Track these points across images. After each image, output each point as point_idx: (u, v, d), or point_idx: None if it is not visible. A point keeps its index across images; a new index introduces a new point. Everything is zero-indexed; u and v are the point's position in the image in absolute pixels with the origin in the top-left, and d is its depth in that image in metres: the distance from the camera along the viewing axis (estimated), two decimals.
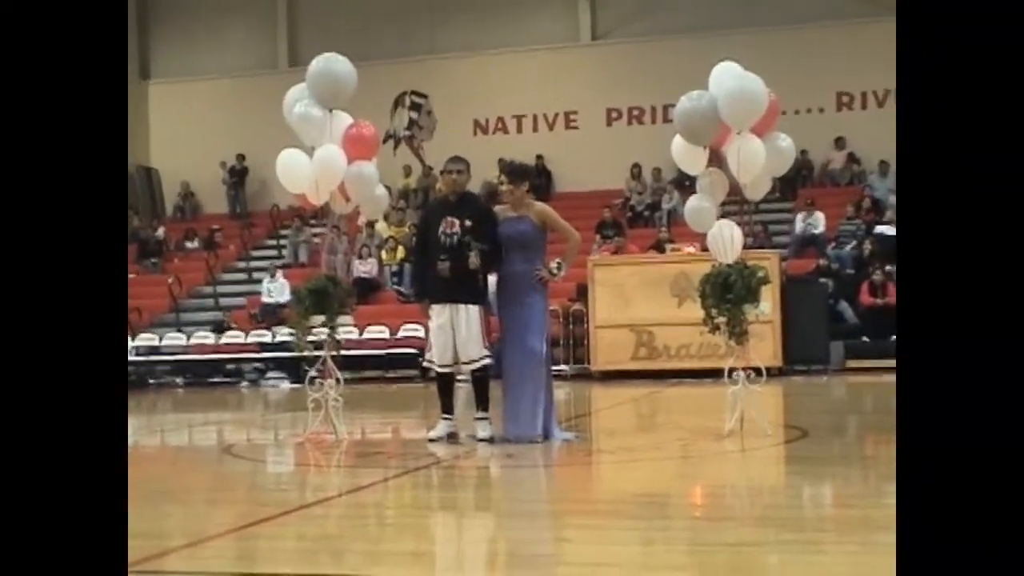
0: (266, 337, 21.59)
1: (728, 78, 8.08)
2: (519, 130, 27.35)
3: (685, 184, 23.56)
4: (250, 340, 21.78)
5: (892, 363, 18.51)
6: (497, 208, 8.69)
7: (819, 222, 22.50)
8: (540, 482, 7.30)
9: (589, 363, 18.25)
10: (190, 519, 5.67)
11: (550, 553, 4.65)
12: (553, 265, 8.44)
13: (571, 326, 18.91)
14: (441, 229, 8.34)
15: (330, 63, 8.74)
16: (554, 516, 5.68)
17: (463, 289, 8.24)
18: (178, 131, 28.81)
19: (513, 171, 8.64)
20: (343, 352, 9.18)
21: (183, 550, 4.60)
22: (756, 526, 5.03)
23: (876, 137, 24.22)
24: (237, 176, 28.35)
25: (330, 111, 8.73)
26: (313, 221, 24.88)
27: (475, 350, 8.29)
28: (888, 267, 20.01)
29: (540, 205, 8.62)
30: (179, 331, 22.79)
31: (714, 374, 14.46)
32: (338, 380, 8.76)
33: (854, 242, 21.42)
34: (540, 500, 6.42)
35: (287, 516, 5.44)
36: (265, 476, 7.96)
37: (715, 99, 7.96)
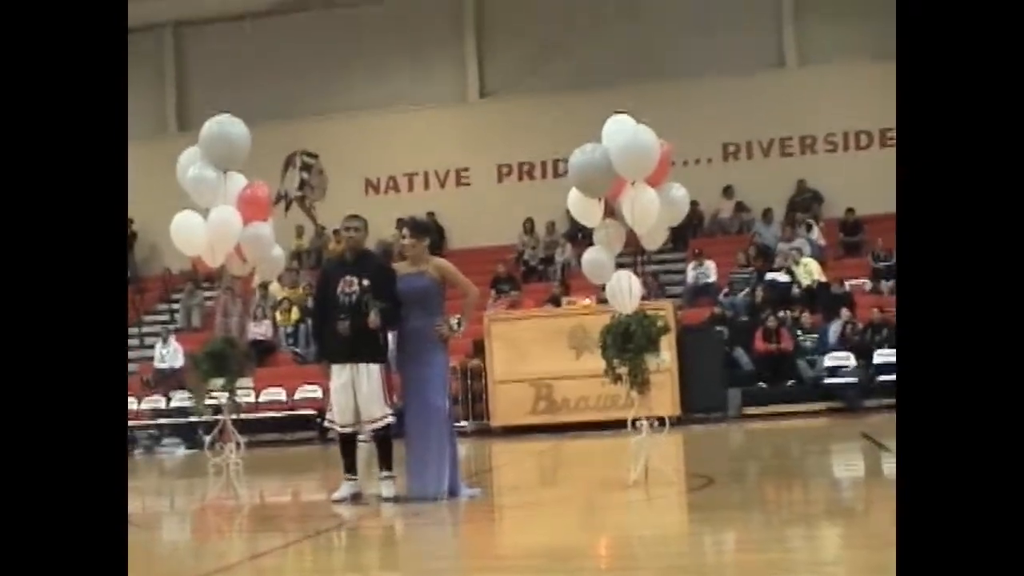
0: (160, 403, 21.20)
1: (620, 131, 8.19)
2: (411, 188, 27.34)
3: (578, 237, 23.82)
4: (144, 407, 21.35)
5: (788, 408, 18.86)
6: (395, 264, 8.68)
7: (711, 271, 22.82)
8: (449, 539, 7.25)
9: (488, 418, 18.22)
10: None
11: None
12: (453, 321, 8.43)
13: (470, 381, 18.86)
14: (340, 288, 8.28)
15: (223, 125, 8.69)
16: (467, 573, 5.64)
17: (363, 348, 8.18)
18: None
19: (415, 226, 8.66)
20: (241, 416, 9.05)
21: None
22: (674, 574, 5.05)
23: (762, 185, 24.77)
24: (127, 240, 27.86)
25: (224, 173, 8.65)
26: (206, 284, 24.59)
27: (377, 409, 8.22)
28: (780, 313, 20.37)
29: (439, 260, 8.63)
30: None
31: (614, 425, 14.57)
32: (238, 444, 8.63)
33: (747, 289, 21.76)
34: (451, 557, 6.37)
35: None
36: (167, 544, 7.79)
37: (608, 152, 8.07)
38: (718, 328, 20.31)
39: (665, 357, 9.14)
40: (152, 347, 23.32)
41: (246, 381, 8.90)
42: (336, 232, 25.91)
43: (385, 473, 8.38)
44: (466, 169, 27.08)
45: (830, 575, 4.93)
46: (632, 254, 8.97)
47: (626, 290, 8.56)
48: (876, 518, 6.56)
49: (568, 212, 24.15)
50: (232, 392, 8.67)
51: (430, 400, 8.23)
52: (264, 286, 23.02)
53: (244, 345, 9.26)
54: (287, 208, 26.08)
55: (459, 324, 8.48)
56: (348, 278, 8.29)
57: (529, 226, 25.53)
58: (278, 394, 20.37)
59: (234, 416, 8.70)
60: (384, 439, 8.36)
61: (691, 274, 22.95)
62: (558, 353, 17.49)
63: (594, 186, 8.26)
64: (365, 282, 8.21)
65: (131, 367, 23.60)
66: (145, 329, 25.40)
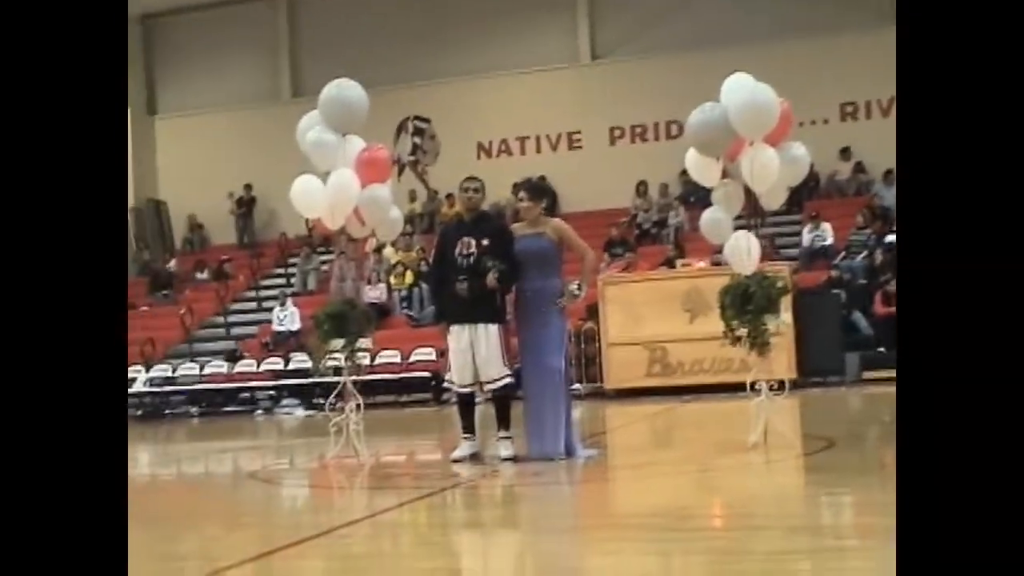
0: (279, 365, 21.61)
1: (739, 89, 8.08)
2: (523, 151, 27.38)
3: (690, 200, 23.64)
4: (263, 368, 21.80)
5: None
6: (513, 226, 8.69)
7: (827, 234, 22.47)
8: (568, 499, 7.28)
9: (602, 381, 18.22)
10: (234, 542, 5.67)
11: (589, 568, 4.63)
12: (573, 286, 8.42)
13: (583, 345, 18.87)
14: (458, 250, 8.32)
15: (342, 89, 8.78)
16: (588, 531, 5.66)
17: (482, 309, 8.21)
18: (185, 164, 28.90)
19: (532, 188, 8.65)
20: (360, 377, 9.17)
21: (233, 569, 4.60)
22: (798, 534, 5.00)
23: (882, 146, 24.21)
24: (245, 206, 28.40)
25: (343, 136, 8.74)
26: (322, 248, 24.96)
27: (496, 370, 8.26)
28: None
29: (556, 221, 8.61)
30: (192, 361, 22.80)
31: (729, 389, 14.50)
32: (358, 405, 8.75)
33: (865, 252, 21.38)
34: (571, 516, 6.40)
35: (323, 537, 5.43)
36: (293, 500, 7.96)
37: (727, 110, 7.96)
38: (835, 291, 20.01)
39: (785, 318, 9.03)
40: (270, 310, 23.79)
41: (365, 342, 9.00)
42: (449, 196, 26.12)
43: (503, 433, 8.42)
44: (578, 132, 27.03)
45: None
46: (749, 215, 8.84)
47: (745, 250, 8.46)
48: None
49: (681, 174, 24.19)
50: (352, 353, 8.78)
51: (547, 361, 8.24)
52: (379, 250, 23.29)
53: (364, 306, 9.36)
54: (400, 173, 26.25)
55: (579, 288, 8.48)
56: (466, 239, 8.33)
57: (643, 189, 25.40)
58: (393, 356, 20.61)
59: (354, 377, 8.81)
60: (502, 399, 8.41)
61: (807, 236, 22.63)
62: (672, 316, 17.43)
63: (712, 145, 8.17)
64: (484, 243, 8.25)
65: (251, 330, 24.15)
66: (263, 293, 25.91)
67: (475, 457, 8.50)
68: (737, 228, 8.60)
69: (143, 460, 12.36)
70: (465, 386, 8.40)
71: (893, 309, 19.51)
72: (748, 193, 8.43)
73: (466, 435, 8.57)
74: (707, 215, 8.65)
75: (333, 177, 8.66)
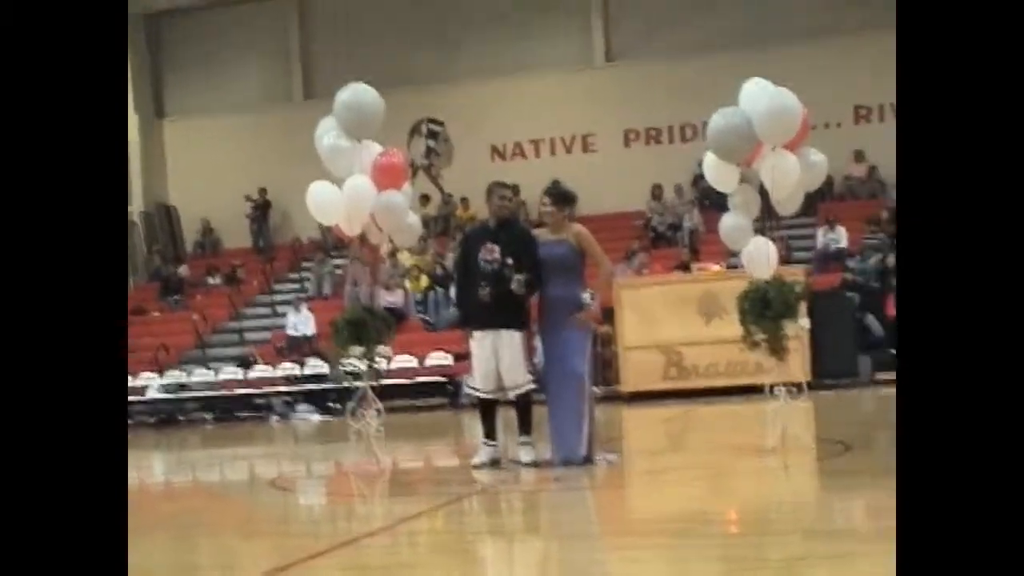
0: (294, 370, 21.59)
1: (760, 95, 8.08)
2: (537, 154, 27.37)
3: (705, 203, 23.62)
4: (278, 374, 21.79)
5: None
6: (536, 231, 8.70)
7: (841, 236, 22.45)
8: (589, 504, 7.28)
9: (618, 384, 18.21)
10: (257, 551, 5.69)
11: (610, 574, 4.64)
12: (586, 295, 8.44)
13: (599, 348, 18.83)
14: (481, 256, 8.33)
15: (357, 94, 8.77)
16: (609, 537, 5.67)
17: (505, 315, 8.22)
18: (195, 168, 28.84)
19: (556, 194, 8.64)
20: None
21: None
22: (815, 540, 5.01)
23: (895, 149, 24.15)
24: (260, 210, 28.36)
25: (359, 141, 8.75)
26: (336, 252, 24.99)
27: (519, 376, 8.28)
28: None
29: (578, 227, 8.60)
30: (206, 367, 22.81)
31: (744, 392, 14.49)
32: (378, 410, 8.76)
33: (878, 255, 21.34)
34: (592, 522, 6.42)
35: (345, 547, 5.44)
36: (317, 509, 7.99)
37: (749, 116, 7.96)
38: (848, 294, 19.99)
39: (805, 323, 9.05)
40: (284, 315, 23.78)
41: (384, 348, 9.01)
42: (464, 200, 26.15)
43: (524, 438, 8.44)
44: (592, 134, 27.02)
45: None
46: (764, 219, 8.85)
47: (764, 256, 8.48)
48: None
49: (695, 178, 24.12)
50: (371, 359, 8.79)
51: (570, 366, 8.24)
52: (393, 254, 23.29)
53: (383, 312, 9.37)
54: (413, 176, 26.22)
55: (592, 297, 8.50)
56: (490, 245, 8.34)
57: (658, 192, 25.38)
58: (409, 361, 20.61)
59: (373, 383, 8.82)
60: (525, 405, 8.42)
61: (821, 239, 22.60)
62: (688, 319, 17.43)
63: (734, 151, 8.17)
64: (508, 249, 8.25)
65: (264, 335, 24.16)
66: (276, 297, 25.91)
67: (496, 462, 8.51)
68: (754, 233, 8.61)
69: (158, 467, 12.39)
70: (488, 392, 8.41)
71: None
72: (763, 197, 8.45)
73: (487, 440, 8.57)
74: (727, 220, 8.66)
75: (349, 183, 8.67)
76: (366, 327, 8.78)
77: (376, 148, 8.85)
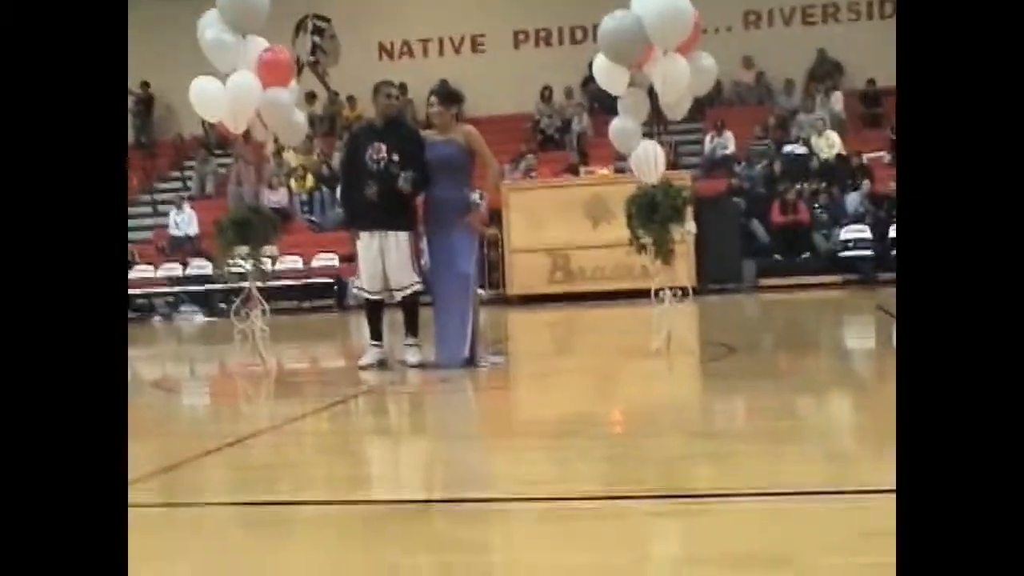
0: (177, 271, 21.27)
1: None
2: (425, 54, 27.04)
3: (594, 106, 23.62)
4: (160, 274, 21.44)
5: (803, 280, 18.88)
6: (424, 132, 8.61)
7: (729, 142, 22.67)
8: (474, 406, 7.32)
9: (505, 287, 18.29)
10: (141, 453, 5.59)
11: (493, 474, 4.67)
12: (475, 196, 8.41)
13: (486, 250, 18.86)
14: (368, 154, 8.23)
15: None
16: (495, 438, 5.70)
17: (392, 215, 8.16)
18: None
19: (444, 94, 8.54)
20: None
21: (145, 481, 4.55)
22: (699, 439, 5.09)
23: (784, 56, 24.43)
24: (143, 104, 27.58)
25: (243, 36, 8.52)
26: (219, 151, 24.51)
27: (406, 277, 8.24)
28: (798, 185, 20.27)
29: (468, 127, 8.53)
30: None
31: (629, 295, 14.64)
32: (264, 311, 8.67)
33: (765, 161, 21.62)
34: (477, 422, 6.45)
35: (232, 447, 5.39)
36: (202, 410, 7.90)
37: (641, 18, 7.92)
38: (734, 200, 20.24)
39: (691, 227, 9.13)
40: (166, 215, 23.34)
41: (270, 249, 8.90)
42: (351, 98, 25.76)
43: (410, 340, 8.43)
44: (482, 35, 26.75)
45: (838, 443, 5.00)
46: (652, 123, 8.86)
47: (652, 160, 8.50)
48: (888, 388, 6.58)
49: (585, 81, 24.07)
50: (257, 260, 8.68)
51: (457, 267, 8.24)
52: (278, 153, 22.91)
53: (269, 213, 9.23)
54: (299, 73, 25.71)
55: (481, 198, 8.46)
56: (377, 144, 8.24)
57: (547, 94, 25.27)
58: (295, 262, 20.43)
59: (259, 284, 8.72)
60: (411, 306, 8.40)
61: (708, 145, 22.78)
62: (575, 223, 17.51)
63: (625, 53, 8.12)
64: (395, 148, 8.16)
65: (146, 234, 23.69)
66: (158, 196, 25.38)
67: (382, 364, 8.50)
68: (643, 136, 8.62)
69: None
70: (375, 292, 8.37)
71: (789, 218, 19.85)
72: (653, 100, 8.44)
73: (374, 342, 8.55)
74: (616, 124, 8.64)
75: (233, 79, 8.46)
76: (252, 227, 8.65)
77: (261, 43, 8.64)
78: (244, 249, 8.64)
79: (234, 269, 8.80)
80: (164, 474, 4.72)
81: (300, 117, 9.16)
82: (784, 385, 7.24)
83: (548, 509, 3.77)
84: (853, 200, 20.23)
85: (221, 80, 8.54)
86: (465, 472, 4.73)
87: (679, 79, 8.05)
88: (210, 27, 8.51)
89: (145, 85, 27.28)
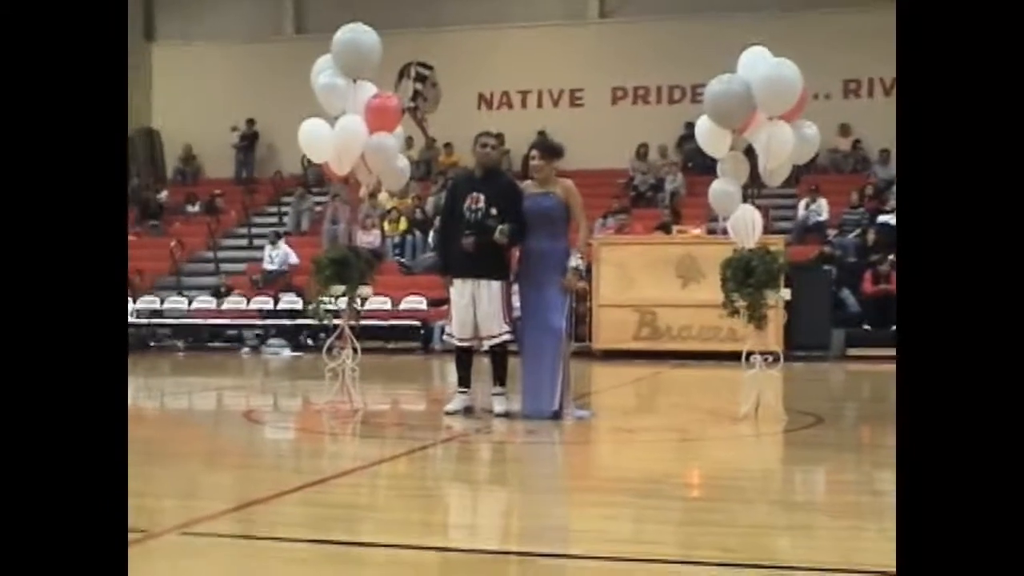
0: (268, 304, 21.56)
1: (760, 63, 8.07)
2: (523, 105, 27.29)
3: (688, 166, 23.63)
4: (252, 306, 21.75)
5: (892, 351, 18.60)
6: (523, 184, 8.69)
7: (823, 209, 22.52)
8: (559, 458, 7.33)
9: (591, 341, 18.27)
10: (229, 485, 5.71)
11: (573, 529, 4.68)
12: (574, 260, 8.42)
13: (575, 304, 18.83)
14: (466, 204, 8.34)
15: (355, 33, 8.75)
16: (575, 493, 5.71)
17: (486, 264, 8.25)
18: (181, 94, 28.61)
19: (546, 148, 8.62)
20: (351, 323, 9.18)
21: (230, 513, 4.64)
22: (781, 509, 5.06)
23: (881, 125, 24.21)
24: (248, 140, 28.17)
25: (354, 81, 8.71)
26: (316, 189, 24.89)
27: (496, 325, 8.31)
28: (892, 256, 20.06)
29: (567, 182, 8.57)
30: (180, 295, 22.74)
31: (714, 356, 14.57)
32: (355, 350, 8.78)
33: (858, 230, 21.45)
34: (561, 477, 6.46)
35: (315, 486, 5.47)
36: (288, 444, 8.02)
37: (749, 83, 7.95)
38: (826, 267, 20.08)
39: (786, 294, 9.11)
40: (260, 248, 23.72)
41: (366, 289, 9.02)
42: (448, 145, 26.05)
43: (498, 389, 8.48)
44: (580, 89, 26.94)
45: None
46: (749, 187, 8.87)
47: (750, 224, 8.51)
48: None
49: (680, 140, 24.10)
50: (352, 299, 8.80)
51: (548, 321, 8.28)
52: (373, 195, 23.18)
53: (367, 253, 9.37)
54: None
55: (580, 258, 8.51)
56: (475, 194, 8.34)
57: (643, 151, 25.34)
58: (383, 303, 20.60)
59: (353, 323, 8.84)
60: (500, 355, 8.45)
61: (802, 211, 22.66)
62: (664, 281, 17.49)
63: (730, 117, 8.16)
64: (493, 199, 8.26)
65: (240, 267, 24.08)
66: (254, 230, 25.81)
67: (469, 411, 8.55)
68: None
69: (128, 392, 12.36)
70: (464, 340, 8.44)
71: (881, 288, 19.64)
72: (751, 165, 8.47)
73: (461, 388, 8.61)
74: (716, 186, 8.66)
75: (341, 122, 8.67)
76: (350, 266, 8.79)
77: (371, 89, 8.83)
78: (340, 288, 8.77)
79: (328, 307, 8.92)
80: (245, 509, 4.80)
81: (403, 162, 9.33)
82: (866, 459, 7.18)
83: (624, 569, 3.77)
84: None
85: (330, 123, 8.73)
86: (543, 525, 4.74)
87: (783, 146, 8.06)
88: (324, 71, 8.72)
89: (251, 122, 27.85)
